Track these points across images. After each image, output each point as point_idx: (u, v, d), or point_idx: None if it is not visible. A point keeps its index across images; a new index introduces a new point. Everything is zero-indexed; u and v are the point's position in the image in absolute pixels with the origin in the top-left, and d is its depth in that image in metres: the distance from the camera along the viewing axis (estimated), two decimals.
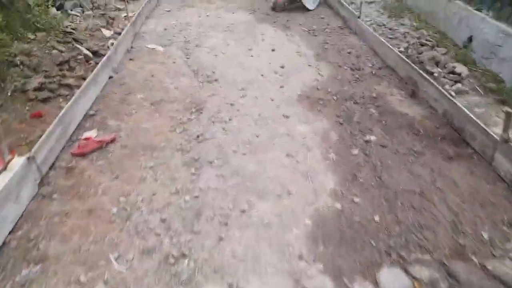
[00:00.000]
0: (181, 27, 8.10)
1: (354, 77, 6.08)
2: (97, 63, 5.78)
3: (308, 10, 9.13)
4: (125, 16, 8.62)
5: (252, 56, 6.77)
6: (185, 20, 8.56)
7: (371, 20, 8.10)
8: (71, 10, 8.31)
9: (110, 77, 5.83)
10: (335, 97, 5.48)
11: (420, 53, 6.42)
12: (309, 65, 6.43)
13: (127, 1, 9.59)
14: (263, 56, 6.75)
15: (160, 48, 7.01)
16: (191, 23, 8.36)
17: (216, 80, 5.92)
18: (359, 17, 7.64)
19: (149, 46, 7.05)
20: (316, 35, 7.79)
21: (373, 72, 6.21)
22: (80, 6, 8.58)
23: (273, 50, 6.99)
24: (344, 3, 8.60)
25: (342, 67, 6.41)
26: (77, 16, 8.14)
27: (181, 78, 5.95)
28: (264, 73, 6.16)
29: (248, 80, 5.92)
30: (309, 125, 4.85)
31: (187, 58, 6.66)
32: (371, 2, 8.92)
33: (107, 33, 7.27)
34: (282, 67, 6.34)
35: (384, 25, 7.77)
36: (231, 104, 5.28)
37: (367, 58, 6.72)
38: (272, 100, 5.41)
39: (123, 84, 5.66)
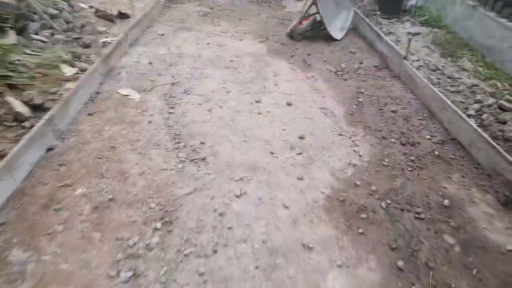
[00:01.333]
0: (172, 59, 6.13)
1: (408, 159, 4.00)
2: (33, 126, 3.86)
3: (334, 40, 7.09)
4: (104, 43, 6.71)
5: (259, 113, 4.70)
6: (179, 49, 6.59)
7: (419, 60, 5.99)
8: (37, 34, 6.42)
9: (49, 150, 3.90)
10: (384, 204, 3.42)
11: (503, 123, 4.32)
12: (340, 134, 4.37)
13: (113, 20, 7.69)
14: (275, 115, 4.66)
15: (136, 96, 5.05)
16: (186, 54, 6.38)
17: (203, 159, 3.89)
18: (405, 58, 5.56)
19: (121, 91, 5.08)
20: (346, 79, 5.73)
21: (435, 152, 4.11)
22: (51, 28, 6.68)
23: (289, 104, 4.95)
24: (381, 33, 6.53)
25: (388, 138, 4.34)
26: (43, 42, 6.24)
27: (153, 152, 3.96)
28: (275, 149, 4.04)
29: (251, 162, 3.82)
30: (348, 274, 2.75)
31: (170, 113, 4.67)
32: (416, 34, 6.82)
33: (68, 71, 5.35)
34: (302, 137, 4.25)
35: (439, 69, 5.63)
36: (220, 214, 3.25)
37: (421, 123, 4.63)
38: (286, 207, 3.36)
39: (62, 165, 3.67)
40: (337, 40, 7.10)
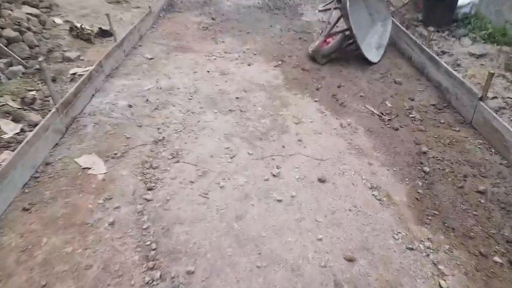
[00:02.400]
0: (159, 99, 4.48)
1: None
2: None
3: (370, 63, 5.38)
4: (73, 75, 5.12)
5: (279, 201, 2.99)
6: (171, 80, 4.95)
7: (496, 97, 4.23)
8: None
9: None
10: None
11: None
12: (410, 248, 2.60)
13: (91, 41, 6.08)
14: (303, 204, 2.96)
15: (100, 168, 3.44)
16: (178, 89, 4.73)
17: None
18: (482, 99, 3.86)
19: (80, 161, 3.50)
20: (397, 128, 4.03)
21: None
22: (7, 56, 5.11)
23: (321, 180, 3.22)
24: (436, 56, 4.78)
25: (488, 255, 2.65)
26: None
27: None
28: None
29: None
30: None
31: (146, 199, 3.07)
32: (480, 56, 5.04)
33: (9, 129, 3.76)
34: (351, 260, 2.52)
35: None
36: None
37: None
38: None
39: None
40: (374, 63, 5.38)
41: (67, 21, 6.58)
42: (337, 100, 4.53)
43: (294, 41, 6.28)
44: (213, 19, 7.43)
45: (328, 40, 5.41)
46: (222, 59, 5.62)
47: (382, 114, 4.23)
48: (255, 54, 5.80)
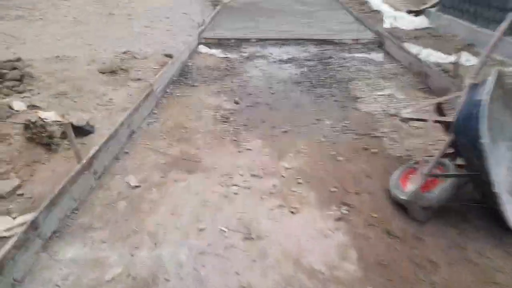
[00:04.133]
0: None
1: None
2: None
3: (508, 228, 2.99)
4: None
5: None
6: (155, 254, 2.64)
7: None
8: None
9: None
10: None
11: None
12: None
13: (53, 147, 3.93)
14: None
15: None
16: (170, 282, 2.51)
17: None
18: None
19: None
20: None
21: None
22: None
23: None
24: None
25: None
26: None
27: None
28: None
29: None
30: None
31: None
32: None
33: None
34: None
35: None
36: None
37: None
38: None
39: None
40: None
41: (32, 106, 4.53)
42: None
43: (357, 154, 3.98)
44: (236, 102, 5.26)
45: (430, 180, 3.06)
46: (247, 194, 3.34)
47: None
48: (299, 183, 3.49)
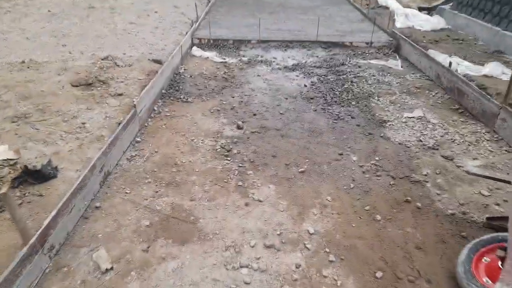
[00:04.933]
0: None
1: None
2: None
3: None
4: None
5: None
6: None
7: None
8: None
9: None
10: None
11: None
12: None
13: None
14: None
15: None
16: None
17: None
18: None
19: None
20: None
21: None
22: None
23: None
24: None
25: None
26: None
27: None
28: None
29: None
30: None
31: None
32: None
33: None
34: None
35: None
36: None
37: None
38: None
39: None
40: None
41: None
42: None
43: (399, 210, 3.05)
44: (239, 127, 4.25)
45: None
46: (263, 283, 2.37)
47: None
48: (331, 261, 2.55)
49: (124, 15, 8.21)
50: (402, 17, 8.88)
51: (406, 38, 6.81)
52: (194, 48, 6.86)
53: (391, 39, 7.27)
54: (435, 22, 8.27)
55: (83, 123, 3.97)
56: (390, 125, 4.37)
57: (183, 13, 8.92)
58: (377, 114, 4.61)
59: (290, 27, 8.27)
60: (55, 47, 6.14)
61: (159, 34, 7.21)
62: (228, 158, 3.66)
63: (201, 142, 3.93)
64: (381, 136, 4.12)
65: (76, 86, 4.71)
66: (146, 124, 4.27)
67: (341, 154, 3.77)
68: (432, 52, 6.07)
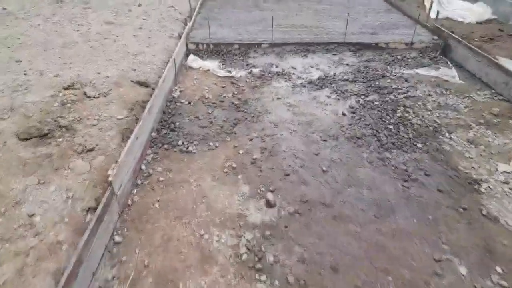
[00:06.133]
0: None
1: None
2: None
3: None
4: None
5: None
6: None
7: None
8: None
9: None
10: None
11: None
12: None
13: None
14: None
15: None
16: None
17: None
18: None
19: None
20: None
21: None
22: None
23: None
24: None
25: None
26: None
27: None
28: None
29: None
30: None
31: None
32: None
33: None
34: None
35: None
36: None
37: None
38: None
39: None
40: None
41: None
42: None
43: None
44: (269, 204, 2.78)
45: None
46: None
47: None
48: None
49: (99, 11, 6.46)
50: (434, 4, 7.24)
51: (460, 39, 5.26)
52: (191, 57, 5.24)
53: (435, 37, 5.71)
54: (479, 12, 6.69)
55: (31, 216, 2.46)
56: (486, 189, 2.92)
57: (173, 5, 7.16)
58: (460, 167, 3.15)
59: (305, 21, 6.63)
60: (6, 64, 4.49)
61: (144, 37, 5.54)
62: (263, 277, 2.20)
63: (216, 241, 2.46)
64: (484, 215, 2.68)
65: (25, 139, 3.14)
66: (129, 202, 2.76)
67: (439, 261, 2.33)
68: (503, 61, 4.56)
